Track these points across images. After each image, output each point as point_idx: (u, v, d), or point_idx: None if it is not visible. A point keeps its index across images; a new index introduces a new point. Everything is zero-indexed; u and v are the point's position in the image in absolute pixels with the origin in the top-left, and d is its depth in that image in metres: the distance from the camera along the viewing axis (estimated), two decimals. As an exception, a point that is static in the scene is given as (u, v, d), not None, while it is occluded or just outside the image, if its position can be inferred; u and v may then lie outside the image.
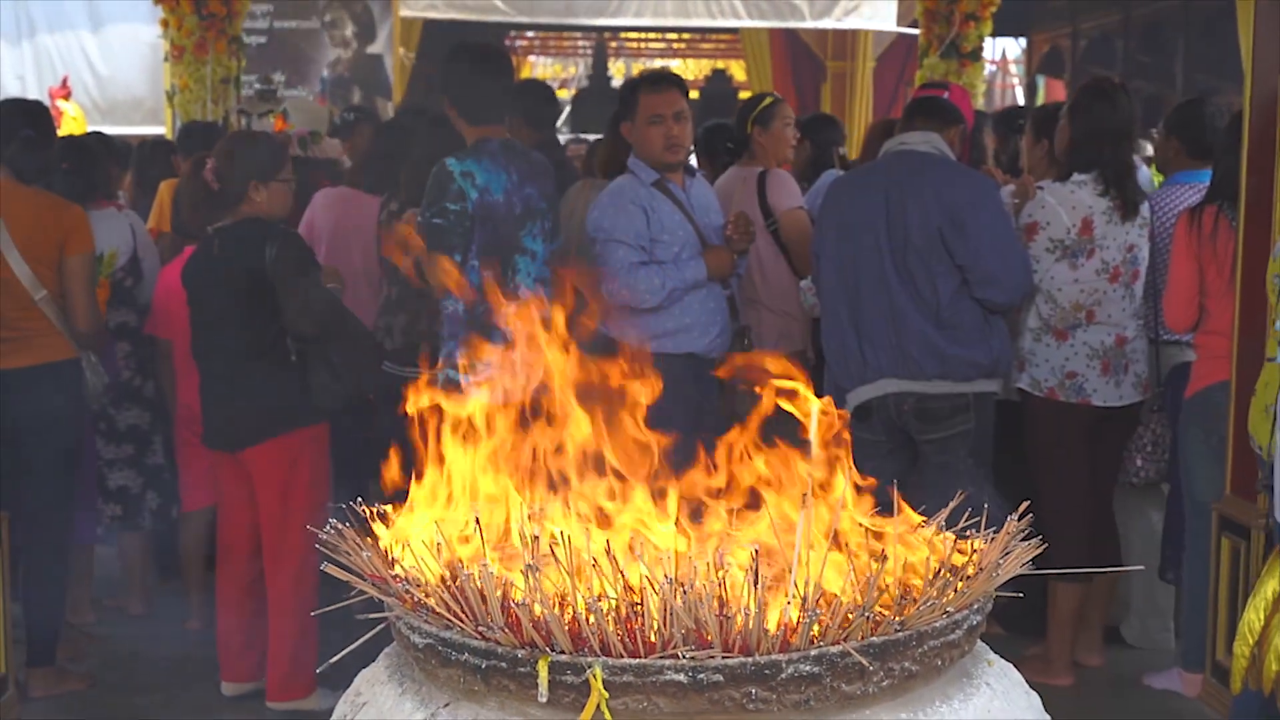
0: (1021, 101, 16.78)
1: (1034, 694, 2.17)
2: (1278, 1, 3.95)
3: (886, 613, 1.91)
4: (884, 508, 2.21)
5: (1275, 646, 3.21)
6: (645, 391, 2.18)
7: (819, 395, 2.09)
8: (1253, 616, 3.27)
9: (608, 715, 1.77)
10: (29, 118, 4.77)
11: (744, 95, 14.72)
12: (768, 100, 5.62)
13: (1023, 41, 17.85)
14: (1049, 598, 4.64)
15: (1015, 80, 19.65)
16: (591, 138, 9.16)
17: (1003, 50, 19.63)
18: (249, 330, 4.35)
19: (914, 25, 10.19)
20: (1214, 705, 4.31)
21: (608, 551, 1.94)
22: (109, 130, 8.55)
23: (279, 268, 4.26)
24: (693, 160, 5.24)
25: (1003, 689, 2.10)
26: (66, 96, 10.27)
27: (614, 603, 1.89)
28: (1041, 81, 16.47)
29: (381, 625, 2.00)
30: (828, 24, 12.53)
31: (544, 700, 1.80)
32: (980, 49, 9.53)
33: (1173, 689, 4.59)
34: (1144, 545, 5.00)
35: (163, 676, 4.89)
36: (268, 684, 4.47)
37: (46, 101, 8.94)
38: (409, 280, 4.62)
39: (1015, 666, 2.21)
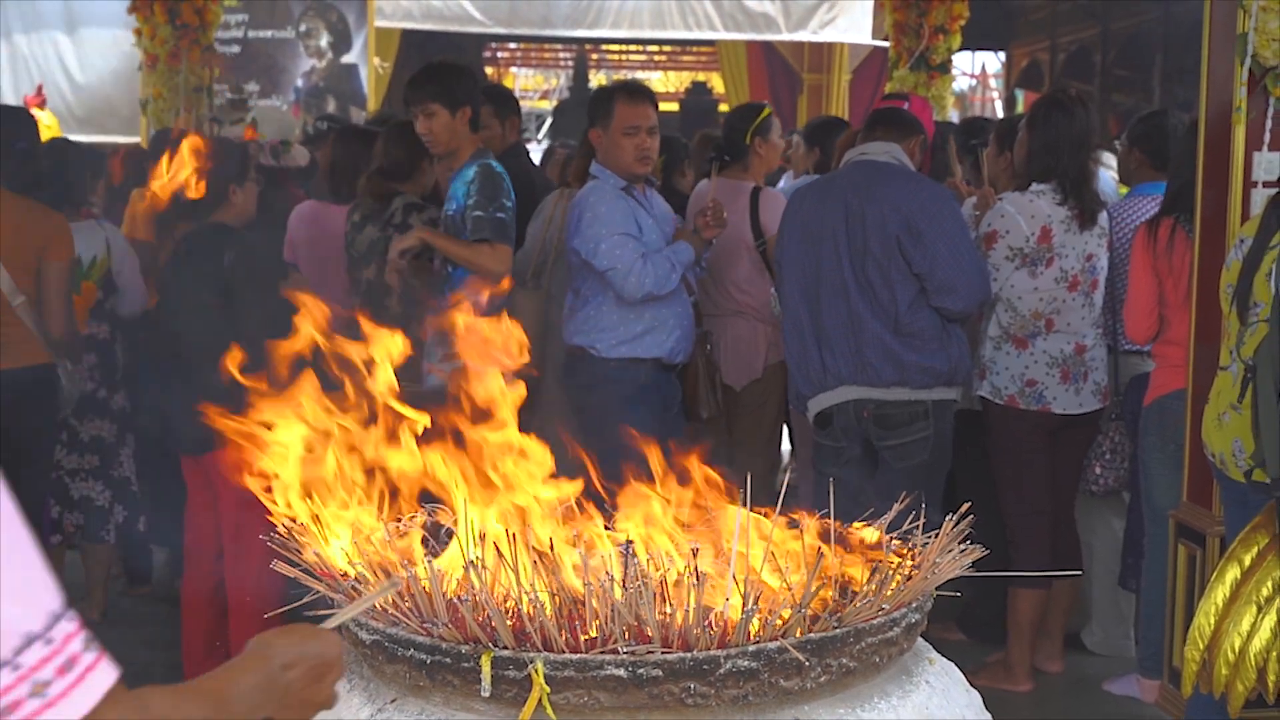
0: (1001, 115, 16.87)
1: (974, 692, 2.20)
2: (1230, 15, 4.00)
3: (825, 609, 1.94)
4: (838, 514, 2.26)
5: (1224, 651, 3.26)
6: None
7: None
8: (1203, 621, 3.33)
9: (549, 710, 1.80)
10: (21, 128, 4.80)
11: (724, 108, 14.74)
12: (766, 111, 5.65)
13: (1002, 55, 17.96)
14: (1009, 604, 4.68)
15: (995, 94, 19.75)
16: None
17: (982, 64, 19.76)
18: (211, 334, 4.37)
19: (887, 39, 10.27)
20: (1171, 710, 4.34)
21: (551, 548, 1.97)
22: (86, 139, 8.55)
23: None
24: None
25: (942, 687, 2.12)
26: (41, 105, 10.25)
27: (556, 599, 1.92)
28: (1021, 95, 16.55)
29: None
30: (803, 36, 12.58)
31: (487, 695, 1.84)
32: (949, 62, 9.59)
33: (1131, 695, 4.63)
34: (1106, 553, 5.05)
35: (127, 680, 4.87)
36: (231, 689, 4.47)
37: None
38: (373, 291, 4.67)
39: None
